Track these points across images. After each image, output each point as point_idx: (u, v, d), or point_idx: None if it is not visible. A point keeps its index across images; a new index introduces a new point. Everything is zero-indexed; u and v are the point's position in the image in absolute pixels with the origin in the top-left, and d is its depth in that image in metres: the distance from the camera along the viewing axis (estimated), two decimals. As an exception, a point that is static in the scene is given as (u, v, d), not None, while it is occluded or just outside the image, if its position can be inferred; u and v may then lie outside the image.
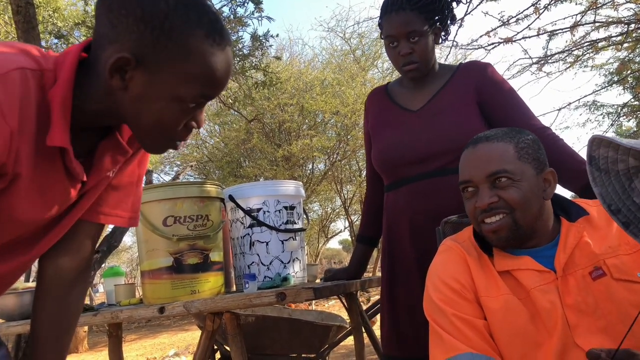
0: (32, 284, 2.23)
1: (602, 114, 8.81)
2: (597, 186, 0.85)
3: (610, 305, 1.02)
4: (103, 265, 8.14)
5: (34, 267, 1.11)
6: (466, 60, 1.72)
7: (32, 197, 0.85)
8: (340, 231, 17.22)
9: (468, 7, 3.90)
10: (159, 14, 0.77)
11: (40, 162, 0.82)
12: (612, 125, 8.55)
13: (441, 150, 1.52)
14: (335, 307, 8.39)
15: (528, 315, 1.04)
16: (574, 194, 1.52)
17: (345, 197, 12.23)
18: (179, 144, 0.88)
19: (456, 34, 4.15)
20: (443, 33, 1.61)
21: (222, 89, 0.86)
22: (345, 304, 2.13)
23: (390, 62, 1.63)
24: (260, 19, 5.00)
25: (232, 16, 5.08)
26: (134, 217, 1.10)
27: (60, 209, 0.93)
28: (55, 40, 6.25)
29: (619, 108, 7.95)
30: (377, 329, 2.27)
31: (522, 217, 1.08)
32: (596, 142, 0.83)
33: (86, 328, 7.86)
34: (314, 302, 7.77)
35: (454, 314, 1.07)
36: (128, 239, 18.31)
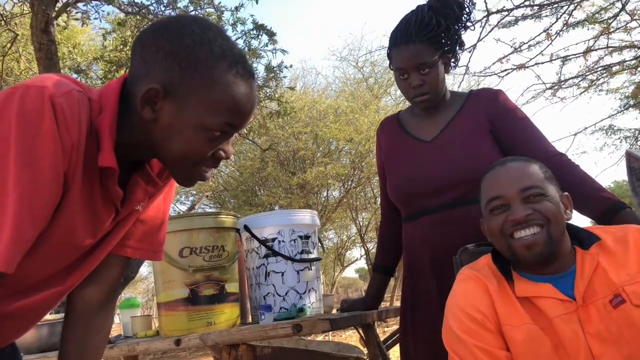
0: (49, 317, 2.24)
1: (619, 138, 8.72)
2: (637, 196, 0.85)
3: (632, 332, 1.01)
4: (120, 297, 8.15)
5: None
6: (478, 87, 1.73)
7: (86, 219, 0.90)
8: (357, 259, 17.09)
9: (480, 33, 3.94)
10: (186, 48, 0.83)
11: (84, 185, 0.87)
12: (631, 147, 8.44)
13: (457, 182, 1.51)
14: (352, 337, 8.26)
15: (551, 345, 1.03)
16: (592, 220, 1.50)
17: (361, 224, 12.17)
18: (207, 174, 0.92)
19: (469, 61, 4.17)
20: (453, 60, 1.62)
21: (247, 119, 0.90)
22: (363, 335, 2.09)
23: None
24: (274, 51, 5.09)
25: (246, 48, 5.18)
26: (159, 251, 1.13)
27: (98, 236, 0.97)
28: (75, 75, 6.42)
29: (637, 132, 7.87)
30: (395, 361, 2.22)
31: (555, 230, 1.09)
32: (633, 157, 0.84)
33: None
34: (330, 333, 7.67)
35: (476, 344, 1.05)
36: (143, 269, 18.36)
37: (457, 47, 1.61)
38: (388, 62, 1.62)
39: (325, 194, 11.20)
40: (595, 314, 1.04)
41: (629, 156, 0.84)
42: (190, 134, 0.85)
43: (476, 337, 1.06)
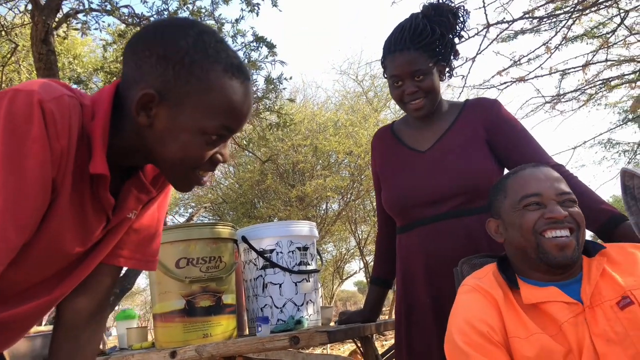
0: (43, 328, 2.21)
1: (617, 152, 8.74)
2: (633, 215, 0.85)
3: (639, 333, 1.01)
4: (116, 308, 8.09)
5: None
6: (473, 97, 1.71)
7: (75, 226, 0.88)
8: (355, 272, 16.98)
9: (480, 46, 3.96)
10: (180, 51, 0.81)
11: (74, 192, 0.85)
12: (629, 162, 8.45)
13: (453, 192, 1.49)
14: (350, 350, 8.18)
15: (563, 352, 1.02)
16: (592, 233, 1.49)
17: (360, 237, 12.13)
18: (204, 179, 0.90)
19: (468, 72, 4.19)
20: (447, 69, 1.60)
21: (244, 121, 0.89)
22: (361, 347, 2.07)
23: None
24: (273, 62, 5.10)
25: (246, 60, 5.20)
26: (153, 261, 1.10)
27: (88, 245, 0.94)
28: (75, 86, 6.43)
29: (635, 145, 7.89)
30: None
31: (582, 237, 1.12)
32: (628, 174, 0.83)
33: (98, 373, 7.72)
34: (328, 346, 7.61)
35: (480, 359, 1.03)
36: (142, 281, 18.31)
37: (452, 56, 1.60)
38: (382, 70, 1.61)
39: (324, 206, 11.18)
40: (601, 316, 1.04)
41: (624, 174, 0.83)
42: (187, 138, 0.84)
43: (481, 351, 1.04)
